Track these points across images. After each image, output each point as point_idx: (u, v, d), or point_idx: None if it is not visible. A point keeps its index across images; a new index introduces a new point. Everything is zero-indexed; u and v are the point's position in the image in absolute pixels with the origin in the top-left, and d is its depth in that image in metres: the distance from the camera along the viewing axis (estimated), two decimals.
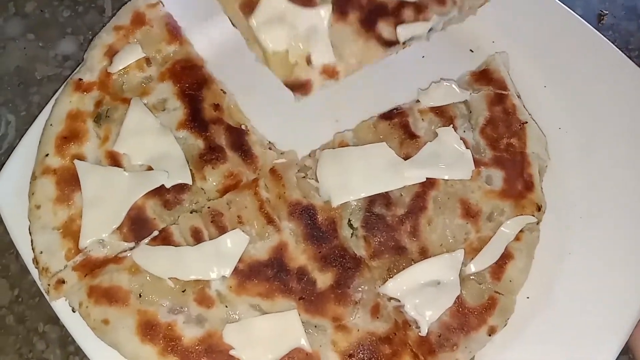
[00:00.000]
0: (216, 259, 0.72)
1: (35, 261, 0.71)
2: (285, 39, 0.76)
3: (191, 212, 0.75)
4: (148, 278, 0.71)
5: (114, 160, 0.75)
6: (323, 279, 0.73)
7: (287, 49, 0.76)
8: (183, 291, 0.71)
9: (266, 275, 0.72)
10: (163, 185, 0.74)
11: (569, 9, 0.82)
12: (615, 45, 0.80)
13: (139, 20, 0.80)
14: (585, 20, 0.81)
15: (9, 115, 0.88)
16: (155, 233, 0.73)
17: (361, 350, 0.70)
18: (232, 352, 0.69)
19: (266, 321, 0.70)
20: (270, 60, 0.77)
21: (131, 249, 0.72)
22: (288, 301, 0.72)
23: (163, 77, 0.79)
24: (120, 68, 0.78)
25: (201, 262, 0.72)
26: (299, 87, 0.77)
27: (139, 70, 0.79)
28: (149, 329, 0.69)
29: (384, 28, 0.78)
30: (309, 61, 0.76)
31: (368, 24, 0.78)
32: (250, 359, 0.68)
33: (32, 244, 0.72)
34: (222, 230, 0.73)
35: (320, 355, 0.70)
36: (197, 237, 0.73)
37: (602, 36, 0.81)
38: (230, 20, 0.82)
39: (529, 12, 0.82)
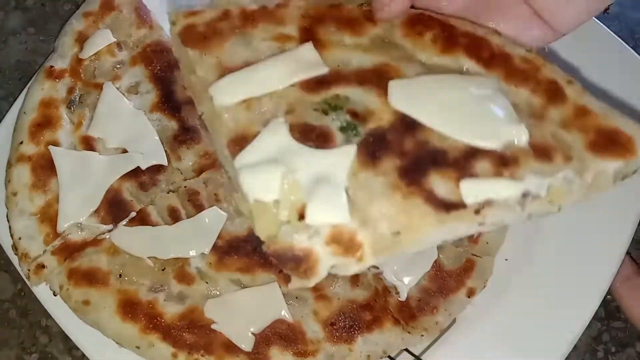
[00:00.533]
0: (195, 237, 0.72)
1: (15, 247, 0.72)
2: (277, 187, 0.46)
3: (168, 192, 0.75)
4: (127, 258, 0.71)
5: (89, 144, 0.75)
6: None
7: (276, 202, 0.46)
8: (163, 270, 0.71)
9: (245, 251, 0.73)
10: (139, 167, 0.74)
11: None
12: (620, 36, 0.77)
13: (108, 5, 0.80)
14: None
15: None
16: (133, 214, 0.73)
17: (342, 319, 0.71)
18: (213, 327, 0.69)
19: (247, 294, 0.71)
20: (256, 211, 0.47)
21: (109, 231, 0.73)
22: (268, 275, 0.72)
23: (134, 61, 0.79)
24: (92, 54, 0.78)
25: (180, 241, 0.72)
26: (292, 262, 0.45)
27: (110, 56, 0.79)
28: (130, 308, 0.69)
29: (438, 183, 0.46)
30: (301, 214, 0.45)
31: (411, 175, 0.46)
32: (232, 332, 0.69)
33: (10, 231, 0.72)
34: (199, 208, 0.74)
35: (303, 325, 0.70)
36: (174, 217, 0.73)
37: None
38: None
39: None
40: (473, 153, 0.47)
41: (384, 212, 0.45)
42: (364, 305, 0.71)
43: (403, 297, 0.71)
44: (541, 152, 0.47)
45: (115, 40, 0.79)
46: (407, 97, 0.49)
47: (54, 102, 0.77)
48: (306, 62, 0.51)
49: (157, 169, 0.75)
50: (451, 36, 0.53)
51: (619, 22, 0.90)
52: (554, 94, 0.50)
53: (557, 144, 0.48)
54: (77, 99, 0.78)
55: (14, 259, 0.72)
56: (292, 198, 0.45)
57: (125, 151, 0.75)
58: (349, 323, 0.70)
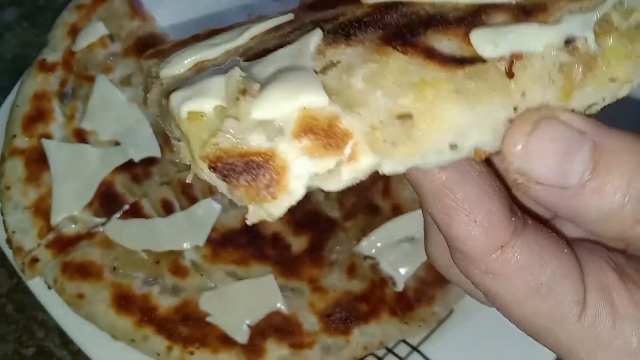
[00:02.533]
0: (188, 229, 0.72)
1: (9, 241, 0.72)
2: (220, 89, 0.30)
3: (161, 185, 0.74)
4: (121, 251, 0.71)
5: (82, 137, 0.75)
6: (298, 243, 0.73)
7: (222, 105, 0.30)
8: (157, 262, 0.71)
9: (240, 243, 0.72)
10: (132, 159, 0.74)
11: None
12: None
13: None
14: None
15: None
16: (126, 207, 0.73)
17: (339, 310, 0.70)
18: (208, 319, 0.68)
19: (242, 287, 0.70)
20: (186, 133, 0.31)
21: (103, 224, 0.72)
22: (264, 267, 0.72)
23: (127, 53, 0.79)
24: (84, 46, 0.78)
25: (173, 233, 0.72)
26: (245, 174, 0.28)
27: (103, 48, 0.79)
28: (124, 301, 0.69)
29: (439, 41, 0.32)
30: (244, 93, 0.29)
31: (401, 37, 0.32)
32: (227, 325, 0.68)
33: (4, 225, 0.72)
34: (192, 201, 0.73)
35: (299, 317, 0.70)
36: (168, 209, 0.73)
37: None
38: None
39: None
40: (481, 9, 0.32)
41: (374, 84, 0.29)
42: (360, 296, 0.71)
43: (400, 287, 0.70)
44: None
45: (107, 32, 0.79)
46: None
47: (46, 95, 0.76)
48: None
49: (150, 161, 0.74)
50: None
51: None
52: None
53: None
54: (70, 92, 0.77)
55: (9, 254, 0.72)
56: (240, 94, 0.29)
57: (118, 144, 0.75)
58: (345, 314, 0.70)
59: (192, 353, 0.67)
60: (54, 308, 0.71)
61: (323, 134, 0.28)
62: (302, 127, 0.29)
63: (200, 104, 0.29)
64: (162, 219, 0.72)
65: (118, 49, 0.79)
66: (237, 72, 0.29)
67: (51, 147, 0.74)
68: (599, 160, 0.29)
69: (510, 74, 0.30)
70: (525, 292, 0.31)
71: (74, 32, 0.79)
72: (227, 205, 0.73)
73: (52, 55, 0.78)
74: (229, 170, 0.28)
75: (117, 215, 0.72)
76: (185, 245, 0.71)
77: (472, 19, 0.32)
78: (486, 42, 0.30)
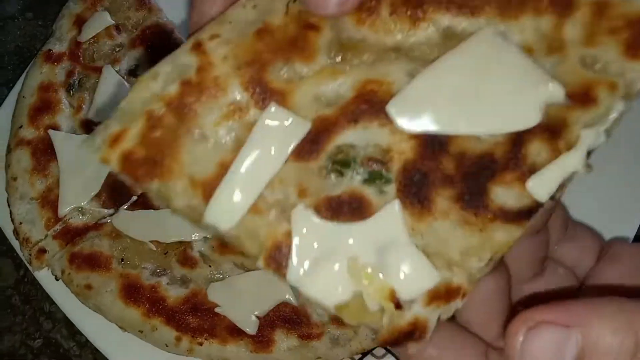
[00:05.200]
0: None
1: (16, 233, 0.71)
2: (346, 281, 0.41)
3: None
4: (129, 242, 0.71)
5: (89, 128, 0.75)
6: None
7: (357, 293, 0.41)
8: (165, 253, 0.71)
9: None
10: None
11: None
12: None
13: None
14: None
15: None
16: (134, 198, 0.73)
17: None
18: (217, 310, 0.68)
19: (251, 278, 0.70)
20: (344, 315, 0.41)
21: (111, 215, 0.72)
22: None
23: (133, 44, 0.78)
24: (90, 37, 0.77)
25: (182, 224, 0.71)
26: (406, 339, 0.42)
27: (109, 38, 0.78)
28: (132, 292, 0.68)
29: (502, 195, 0.41)
30: (396, 303, 0.40)
31: (472, 202, 0.41)
32: (236, 316, 0.68)
33: (11, 216, 0.71)
34: None
35: (307, 308, 0.70)
36: None
37: None
38: None
39: None
40: (519, 139, 0.40)
41: (467, 252, 0.40)
42: None
43: None
44: (582, 97, 0.40)
45: (113, 22, 0.78)
46: (415, 113, 0.40)
47: (53, 86, 0.76)
48: (282, 127, 0.40)
49: None
50: None
51: None
52: (559, 2, 0.42)
53: (592, 75, 0.41)
54: (77, 83, 0.77)
55: (16, 245, 0.72)
56: (368, 284, 0.40)
57: None
58: None
59: (201, 344, 0.67)
60: (61, 299, 0.71)
61: (444, 296, 0.39)
62: (430, 298, 0.40)
63: (340, 298, 0.40)
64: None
65: (124, 40, 0.79)
66: (354, 268, 0.40)
67: (58, 138, 0.73)
68: (585, 348, 0.36)
69: (552, 198, 0.40)
70: None
71: (79, 22, 0.78)
72: None
73: (58, 46, 0.78)
74: (394, 343, 0.41)
75: (125, 206, 0.72)
76: (194, 236, 0.71)
77: (516, 154, 0.40)
78: (541, 192, 0.40)
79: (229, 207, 0.39)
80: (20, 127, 0.74)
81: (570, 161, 0.40)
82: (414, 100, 0.41)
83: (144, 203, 0.72)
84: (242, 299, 0.69)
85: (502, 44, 0.41)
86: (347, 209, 0.40)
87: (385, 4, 0.40)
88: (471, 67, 0.40)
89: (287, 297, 0.69)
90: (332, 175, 0.40)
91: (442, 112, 0.40)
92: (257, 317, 0.68)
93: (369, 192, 0.40)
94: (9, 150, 0.74)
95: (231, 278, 0.70)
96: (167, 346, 0.68)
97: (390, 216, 0.39)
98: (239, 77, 0.39)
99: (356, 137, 0.40)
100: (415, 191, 0.40)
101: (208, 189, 0.39)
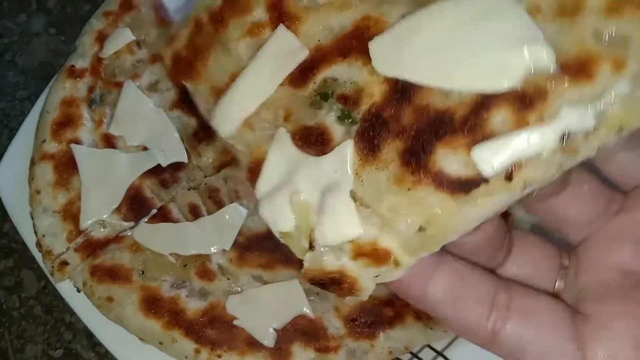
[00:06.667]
0: (215, 233, 0.73)
1: (39, 245, 0.73)
2: (290, 213, 0.41)
3: (189, 190, 0.75)
4: (149, 255, 0.72)
5: (110, 142, 0.76)
6: None
7: (297, 225, 0.41)
8: (184, 266, 0.72)
9: (266, 247, 0.73)
10: (159, 164, 0.75)
11: None
12: None
13: (127, 4, 0.81)
14: None
15: None
16: (154, 211, 0.74)
17: (363, 315, 0.70)
18: (235, 322, 0.69)
19: (269, 291, 0.71)
20: (287, 243, 0.44)
21: (131, 228, 0.73)
22: (289, 271, 0.72)
23: (154, 59, 0.80)
24: (111, 52, 0.79)
25: (201, 237, 0.72)
26: (332, 285, 0.42)
27: (130, 54, 0.80)
28: (152, 304, 0.69)
29: (447, 158, 0.36)
30: (310, 243, 0.41)
31: (415, 159, 0.37)
32: (254, 328, 0.69)
33: (34, 228, 0.73)
34: (219, 205, 0.74)
35: (324, 321, 0.70)
36: (195, 213, 0.74)
37: None
38: None
39: None
40: (485, 102, 0.35)
41: (396, 210, 0.37)
42: (385, 301, 0.71)
43: None
44: (576, 70, 0.34)
45: (134, 38, 0.80)
46: (391, 55, 0.38)
47: (75, 101, 0.78)
48: (284, 51, 0.41)
49: (177, 166, 0.75)
50: None
51: None
52: None
53: (600, 48, 0.33)
54: (98, 98, 0.78)
55: (38, 257, 0.73)
56: (305, 222, 0.40)
57: (146, 149, 0.76)
58: (370, 319, 0.70)
59: (219, 356, 0.68)
60: (82, 310, 0.72)
61: (370, 255, 0.39)
62: (355, 253, 0.39)
63: (284, 227, 0.41)
64: (190, 223, 0.73)
65: (145, 56, 0.80)
66: (298, 201, 0.40)
67: (80, 152, 0.75)
68: None
69: (509, 178, 0.35)
70: None
71: (101, 38, 0.80)
72: (254, 210, 0.74)
73: (81, 62, 0.79)
74: (322, 284, 0.41)
75: (145, 219, 0.73)
76: (213, 249, 0.72)
77: (475, 118, 0.35)
78: (485, 162, 0.35)
79: (227, 116, 0.43)
80: (44, 141, 0.75)
81: (536, 138, 0.34)
82: (394, 42, 0.38)
83: (163, 216, 0.74)
84: (260, 312, 0.70)
85: None
86: (313, 141, 0.40)
87: None
88: (460, 17, 0.36)
89: (304, 310, 0.70)
90: (313, 106, 0.41)
91: (417, 60, 0.37)
92: (275, 329, 0.69)
93: (337, 129, 0.40)
94: (32, 164, 0.75)
95: (249, 291, 0.71)
96: (186, 358, 0.69)
97: (340, 157, 0.38)
98: None
99: (342, 72, 0.40)
100: (371, 137, 0.38)
101: (219, 96, 0.43)
